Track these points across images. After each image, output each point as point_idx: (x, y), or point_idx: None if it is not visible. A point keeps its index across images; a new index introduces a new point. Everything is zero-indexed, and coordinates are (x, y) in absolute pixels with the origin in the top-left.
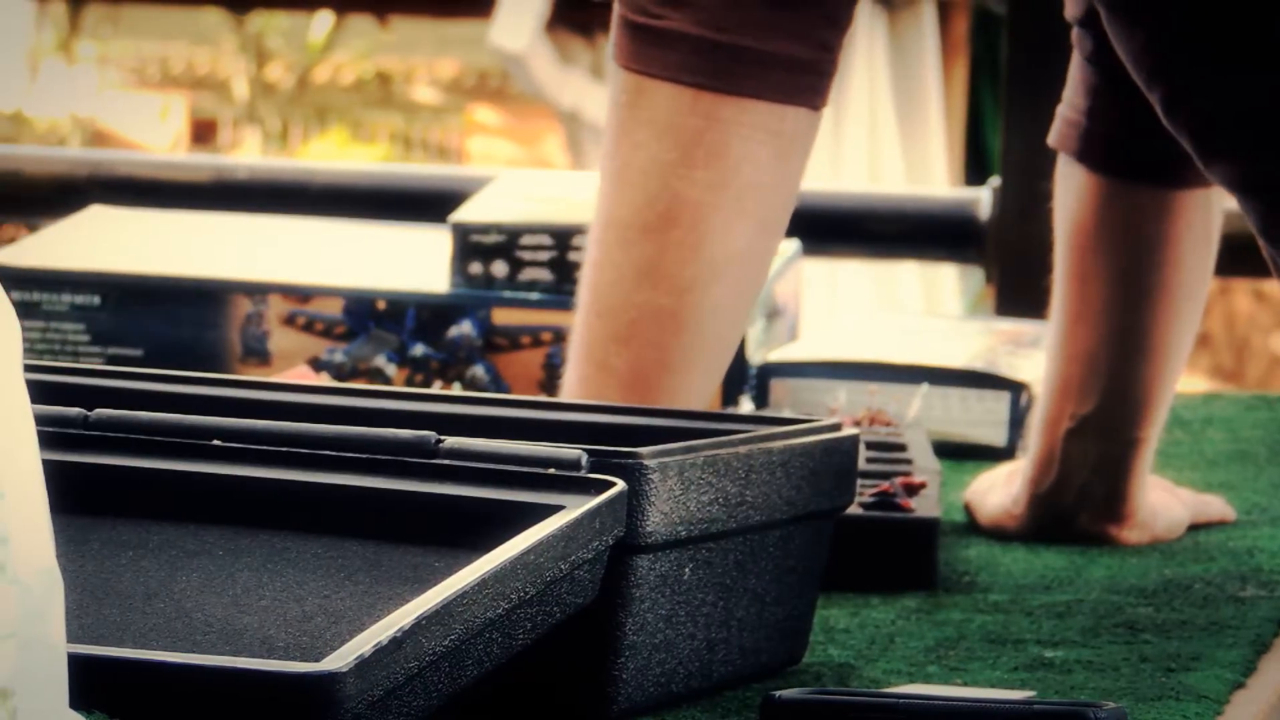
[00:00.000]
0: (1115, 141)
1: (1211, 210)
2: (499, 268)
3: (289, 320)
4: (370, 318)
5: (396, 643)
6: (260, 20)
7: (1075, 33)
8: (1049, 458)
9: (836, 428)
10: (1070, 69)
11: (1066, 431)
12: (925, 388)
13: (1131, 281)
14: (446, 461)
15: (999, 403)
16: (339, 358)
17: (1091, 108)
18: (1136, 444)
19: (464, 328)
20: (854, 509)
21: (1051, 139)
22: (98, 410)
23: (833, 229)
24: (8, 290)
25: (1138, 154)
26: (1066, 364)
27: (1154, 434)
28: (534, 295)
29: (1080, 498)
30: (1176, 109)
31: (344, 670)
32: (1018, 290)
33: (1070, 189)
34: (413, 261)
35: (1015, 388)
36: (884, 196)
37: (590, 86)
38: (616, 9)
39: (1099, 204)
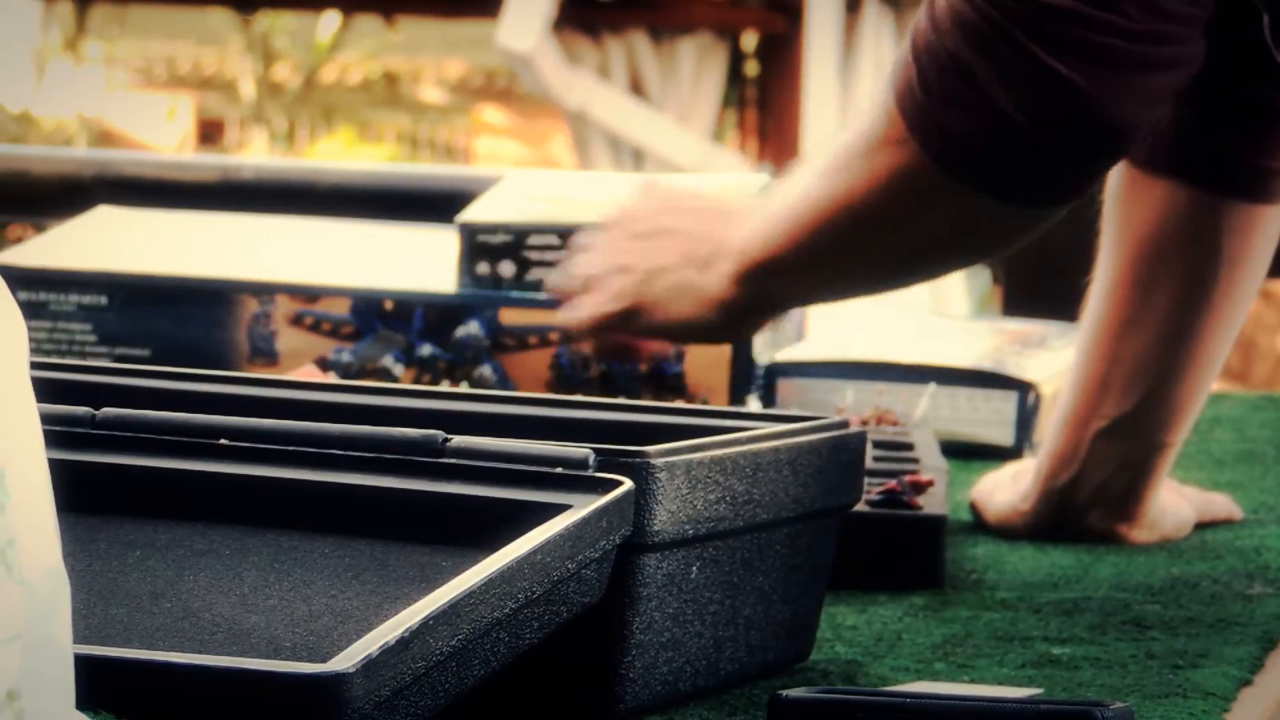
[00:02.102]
0: (1212, 155)
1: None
2: (506, 268)
3: (296, 320)
4: (378, 318)
5: (404, 643)
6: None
7: None
8: (1070, 454)
9: (843, 426)
10: None
11: (1098, 430)
12: (932, 387)
13: (1197, 291)
14: (453, 460)
15: (1006, 402)
16: (346, 358)
17: (1187, 121)
18: (1163, 448)
19: (471, 328)
20: (861, 507)
21: None
22: (105, 409)
23: None
24: (14, 290)
25: (1234, 168)
26: (1108, 364)
27: (1181, 439)
28: (541, 295)
29: (1095, 495)
30: None
31: (351, 670)
32: (1025, 290)
33: (1143, 199)
34: (420, 261)
35: (1022, 387)
36: None
37: (597, 86)
38: None
39: (1181, 215)
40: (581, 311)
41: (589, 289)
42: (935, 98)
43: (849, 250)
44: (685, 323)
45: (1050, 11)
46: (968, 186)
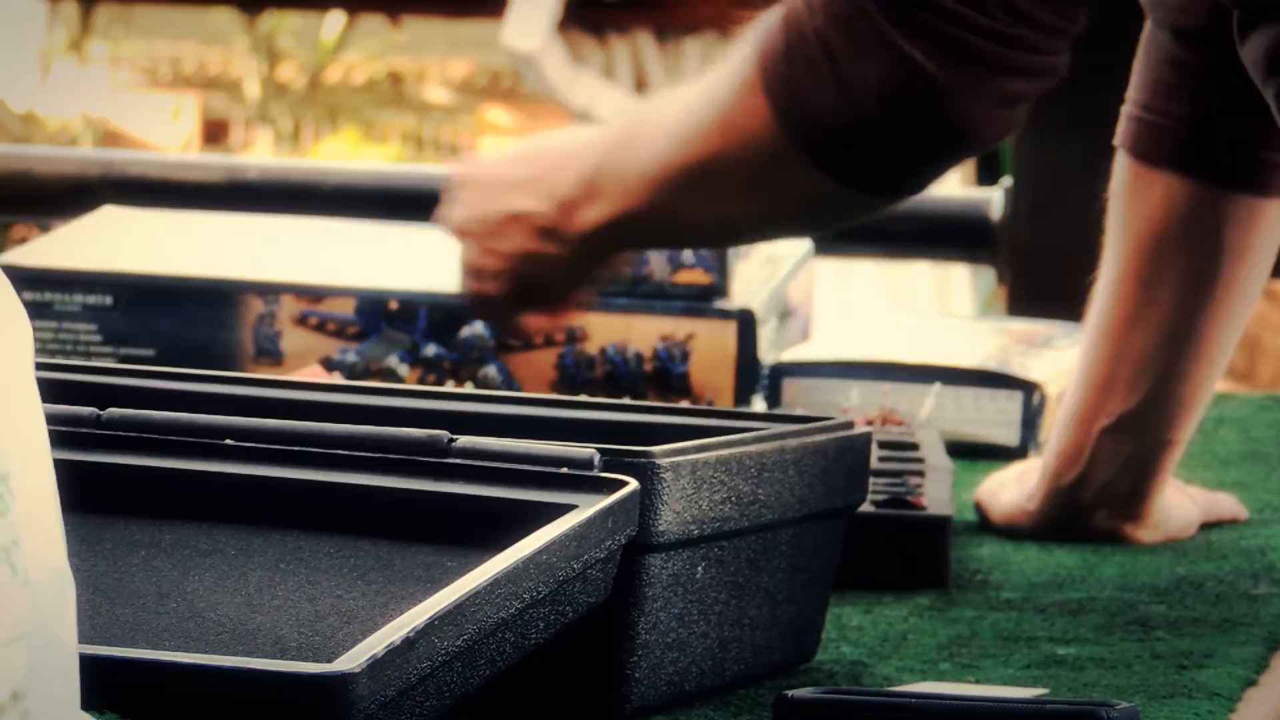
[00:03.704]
0: (1215, 147)
1: None
2: None
3: (301, 320)
4: (382, 318)
5: (409, 643)
6: (272, 20)
7: (1165, 39)
8: (1076, 452)
9: (849, 426)
10: (1148, 72)
11: (1103, 428)
12: (938, 387)
13: (1201, 285)
14: (459, 460)
15: (1011, 402)
16: (351, 358)
17: (1190, 114)
18: (1168, 445)
19: (476, 328)
20: (866, 507)
21: (1124, 141)
22: (110, 409)
23: (844, 228)
24: (19, 290)
25: (1237, 160)
26: (1114, 362)
27: (1186, 436)
28: None
29: (1101, 494)
30: None
31: (356, 671)
32: (1030, 290)
33: (1146, 192)
34: (425, 261)
35: (1027, 388)
36: None
37: (602, 87)
38: None
39: (1184, 208)
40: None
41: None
42: (797, 68)
43: (694, 197)
44: (555, 287)
45: (918, 1)
46: (811, 161)
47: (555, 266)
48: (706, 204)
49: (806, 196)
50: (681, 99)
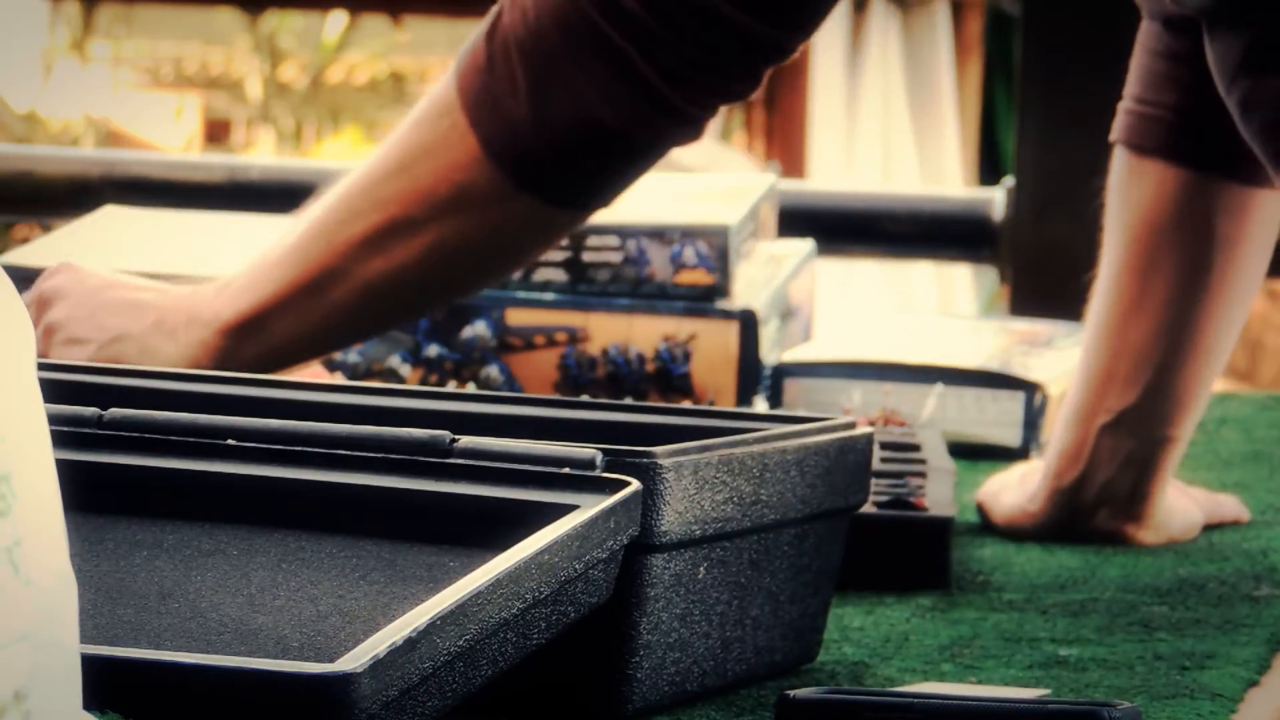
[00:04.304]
0: (1203, 136)
1: (1278, 214)
2: None
3: None
4: None
5: (411, 643)
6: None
7: (1156, 30)
8: (1078, 451)
9: (851, 426)
10: (1140, 65)
11: (1102, 425)
12: (940, 388)
13: (1195, 276)
14: (461, 461)
15: (1013, 403)
16: (353, 358)
17: (1179, 102)
18: (1168, 442)
19: (478, 328)
20: (868, 508)
21: (1117, 134)
22: (112, 410)
23: (847, 229)
24: (21, 290)
25: (1225, 149)
26: (1112, 357)
27: (1186, 434)
28: (548, 295)
29: (1102, 494)
30: (1252, 111)
31: (358, 671)
32: (1032, 290)
33: (1138, 183)
34: None
35: (1029, 388)
36: (898, 197)
37: None
38: None
39: (1175, 198)
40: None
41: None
42: (496, 80)
43: (388, 274)
44: None
45: (629, 21)
46: (507, 174)
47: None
48: (388, 252)
49: (504, 218)
50: (359, 166)
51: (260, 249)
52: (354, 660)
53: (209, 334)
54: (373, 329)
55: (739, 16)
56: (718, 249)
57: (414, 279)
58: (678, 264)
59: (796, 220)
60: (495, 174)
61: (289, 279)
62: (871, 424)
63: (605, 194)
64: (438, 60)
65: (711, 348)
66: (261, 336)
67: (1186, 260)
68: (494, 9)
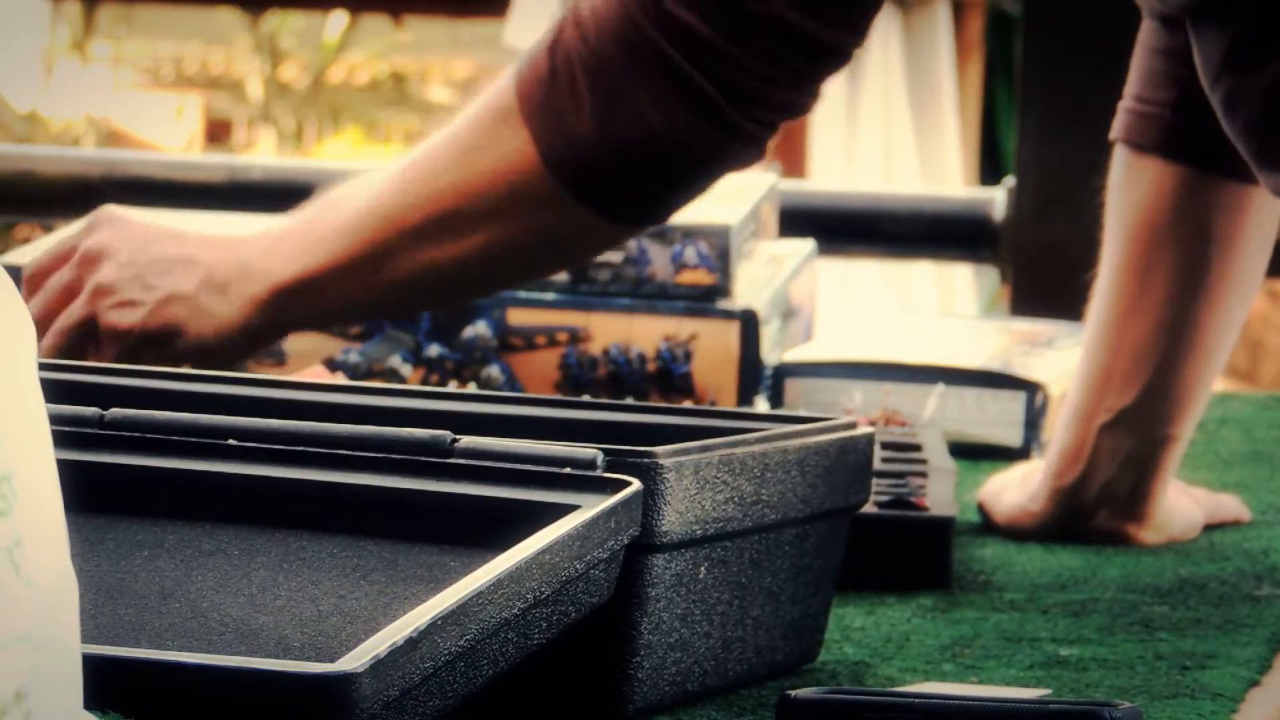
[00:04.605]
0: (1202, 134)
1: (1277, 212)
2: None
3: None
4: None
5: (412, 643)
6: (274, 20)
7: (1156, 28)
8: (1078, 451)
9: (852, 426)
10: (1140, 63)
11: (1102, 425)
12: (941, 388)
13: (1193, 274)
14: (462, 461)
15: (1014, 403)
16: (354, 358)
17: (1176, 100)
18: (1168, 441)
19: (479, 328)
20: (869, 508)
21: (1117, 133)
22: (113, 410)
23: (848, 229)
24: (19, 290)
25: (1224, 147)
26: (1111, 356)
27: (1186, 433)
28: (549, 295)
29: (1103, 493)
30: (1235, 109)
31: (359, 671)
32: (1033, 290)
33: (1137, 181)
34: None
35: (1030, 388)
36: (899, 196)
37: None
38: None
39: (1173, 196)
40: (106, 342)
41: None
42: (561, 93)
43: (427, 237)
44: (200, 346)
45: (691, 39)
46: (564, 186)
47: (222, 350)
48: (434, 247)
49: (553, 227)
50: (405, 157)
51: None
52: (355, 660)
53: (262, 291)
54: (423, 307)
55: (800, 20)
56: (719, 249)
57: (462, 271)
58: (679, 264)
59: (797, 220)
60: (554, 184)
61: (345, 251)
62: (872, 424)
63: (663, 210)
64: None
65: (712, 348)
66: (315, 298)
67: (1186, 259)
68: (555, 22)
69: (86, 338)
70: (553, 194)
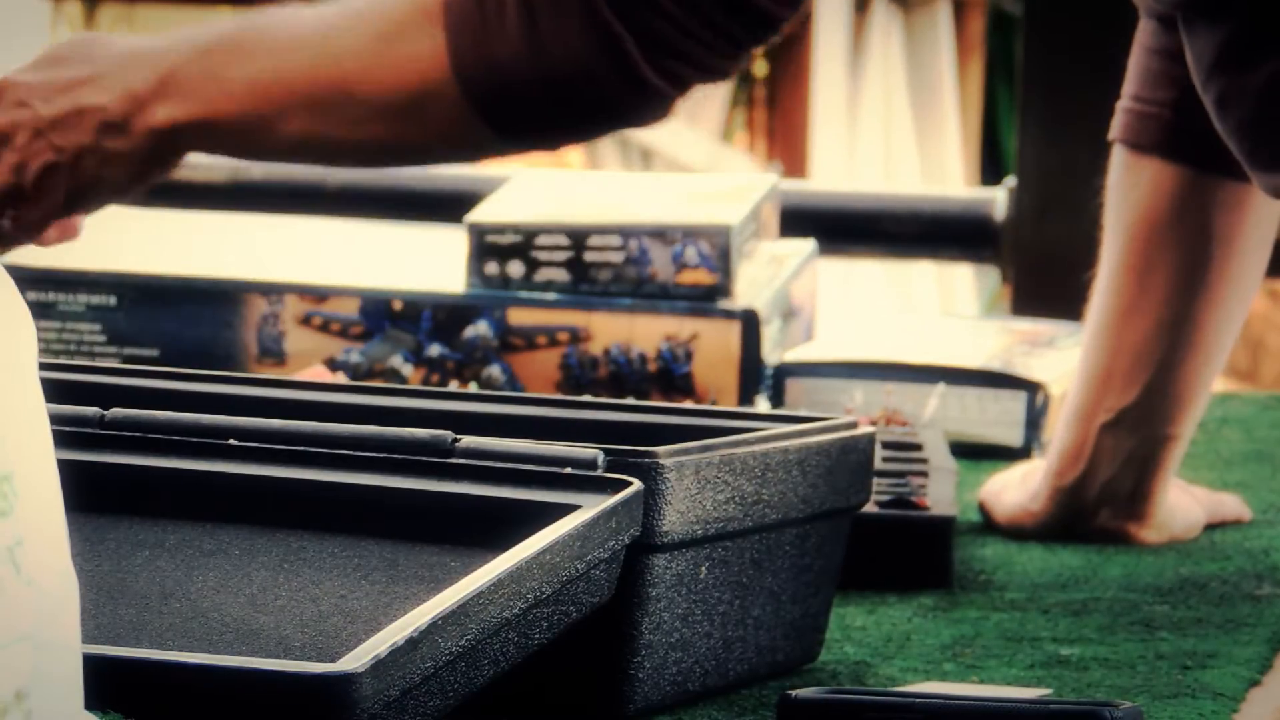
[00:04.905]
0: (1201, 133)
1: (1276, 211)
2: (515, 268)
3: (305, 320)
4: (386, 318)
5: (413, 643)
6: None
7: (1154, 28)
8: (1079, 450)
9: (852, 426)
10: (1138, 63)
11: (1102, 424)
12: (941, 388)
13: (1194, 274)
14: (463, 461)
15: (1015, 402)
16: (355, 358)
17: (1176, 100)
18: (1169, 440)
19: (480, 328)
20: (870, 508)
21: (1116, 133)
22: (114, 410)
23: (848, 229)
24: (24, 291)
25: (1223, 146)
26: (1111, 355)
27: (1187, 432)
28: (550, 295)
29: (1104, 493)
30: (1228, 108)
31: (360, 670)
32: (1033, 290)
33: (1136, 181)
34: (429, 261)
35: (1031, 388)
36: (899, 197)
37: None
38: None
39: (1172, 195)
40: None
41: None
42: (489, 17)
43: (314, 113)
44: (111, 188)
45: None
46: (471, 105)
47: (116, 163)
48: (327, 122)
49: (446, 133)
50: (319, 14)
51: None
52: (356, 660)
53: (163, 125)
54: (312, 163)
55: None
56: (719, 249)
57: (353, 149)
58: (679, 264)
59: (798, 220)
60: (459, 96)
61: (242, 107)
62: (873, 424)
63: (558, 142)
64: None
65: (713, 347)
66: (211, 141)
67: (1185, 258)
68: None
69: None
70: (455, 103)
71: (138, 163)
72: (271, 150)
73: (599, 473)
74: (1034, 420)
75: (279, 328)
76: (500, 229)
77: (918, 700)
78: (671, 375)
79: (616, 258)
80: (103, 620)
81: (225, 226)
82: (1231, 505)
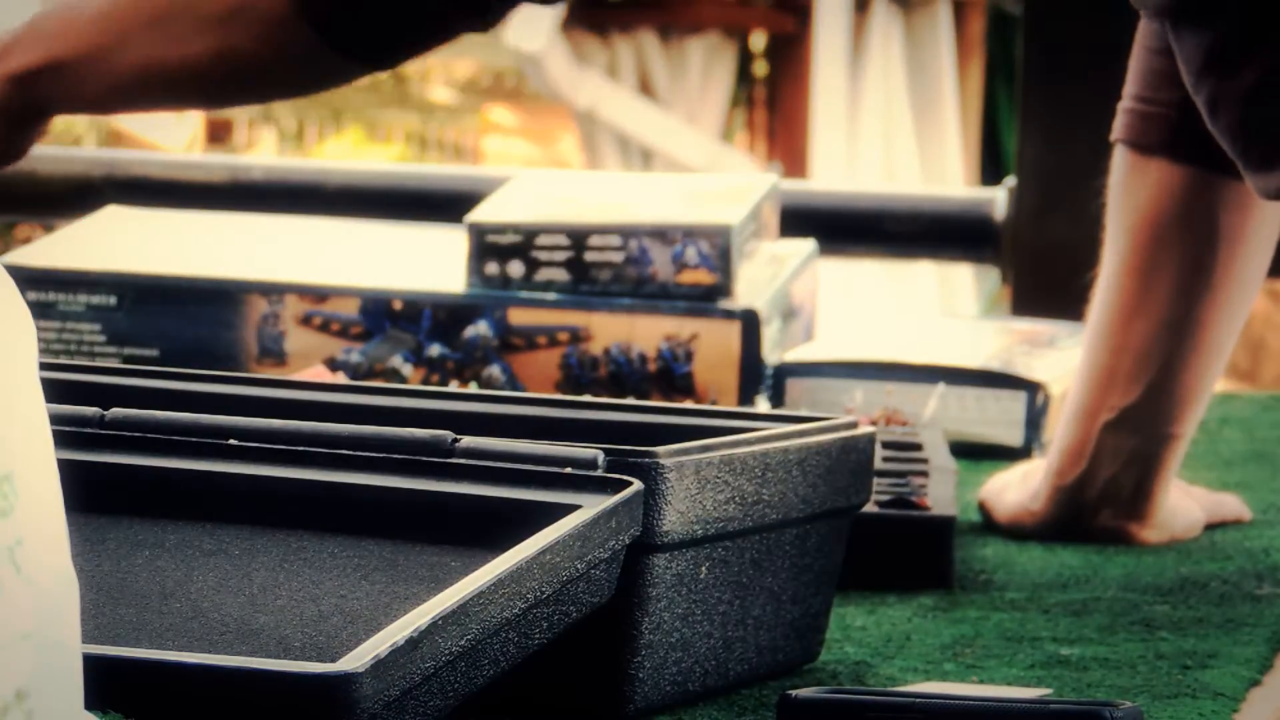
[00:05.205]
0: (1204, 133)
1: (1278, 211)
2: (515, 268)
3: (305, 320)
4: (386, 318)
5: (413, 643)
6: None
7: (1155, 28)
8: (1080, 449)
9: (853, 426)
10: (1139, 63)
11: (1105, 423)
12: (941, 387)
13: (1197, 274)
14: (463, 461)
15: (1015, 402)
16: (355, 358)
17: (1179, 100)
18: (1170, 440)
19: (480, 328)
20: (870, 507)
21: (1119, 133)
22: (114, 410)
23: (849, 229)
24: (24, 291)
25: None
26: (1114, 355)
27: (1189, 432)
28: (550, 295)
29: (1105, 492)
30: (1219, 111)
31: (360, 671)
32: (1034, 290)
33: (1140, 182)
34: (429, 261)
35: (1031, 387)
36: (900, 196)
37: (606, 86)
38: None
39: (1178, 195)
40: None
41: None
42: None
43: (157, 38)
44: None
45: None
46: (306, 18)
47: None
48: (165, 41)
49: (277, 41)
50: None
51: None
52: (356, 660)
53: (18, 70)
54: (162, 106)
55: None
56: (720, 249)
57: (190, 75)
58: (680, 264)
59: (798, 220)
60: (289, 3)
61: (87, 40)
62: (873, 423)
63: (389, 57)
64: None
65: (713, 347)
66: (64, 85)
67: (1188, 258)
68: None
69: None
70: (285, 14)
71: (3, 120)
72: (118, 87)
73: (599, 473)
74: (1034, 420)
75: (279, 328)
76: (500, 229)
77: (918, 700)
78: (672, 375)
79: (617, 258)
80: (103, 620)
81: (225, 226)
82: (1231, 505)
